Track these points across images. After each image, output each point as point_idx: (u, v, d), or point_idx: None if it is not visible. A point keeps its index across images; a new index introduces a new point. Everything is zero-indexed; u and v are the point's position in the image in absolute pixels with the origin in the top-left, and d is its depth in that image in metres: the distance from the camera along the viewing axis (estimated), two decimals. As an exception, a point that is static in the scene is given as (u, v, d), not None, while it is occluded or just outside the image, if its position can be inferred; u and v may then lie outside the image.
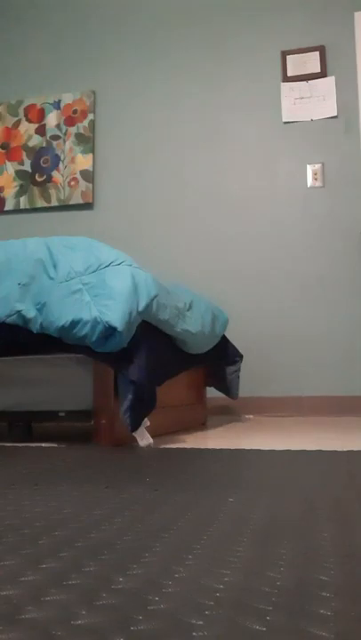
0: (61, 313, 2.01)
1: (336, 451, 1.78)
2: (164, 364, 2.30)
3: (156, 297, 2.08)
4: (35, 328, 2.07)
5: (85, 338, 1.97)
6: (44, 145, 4.12)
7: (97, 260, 2.12)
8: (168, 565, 0.71)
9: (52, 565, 0.72)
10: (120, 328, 1.95)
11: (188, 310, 2.58)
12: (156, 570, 0.70)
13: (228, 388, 3.09)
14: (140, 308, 2.01)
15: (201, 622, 0.55)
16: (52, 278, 2.11)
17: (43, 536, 0.86)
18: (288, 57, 3.80)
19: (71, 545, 0.81)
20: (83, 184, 4.03)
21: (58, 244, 2.25)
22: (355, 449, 1.79)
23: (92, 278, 2.06)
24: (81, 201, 4.01)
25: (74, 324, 1.98)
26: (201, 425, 2.93)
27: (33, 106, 4.16)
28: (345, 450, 1.78)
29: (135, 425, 2.02)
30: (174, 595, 0.62)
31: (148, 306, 2.05)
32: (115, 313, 1.96)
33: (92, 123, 4.06)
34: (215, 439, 2.39)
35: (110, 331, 1.96)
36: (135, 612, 0.57)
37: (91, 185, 4.01)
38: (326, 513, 0.99)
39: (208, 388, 3.12)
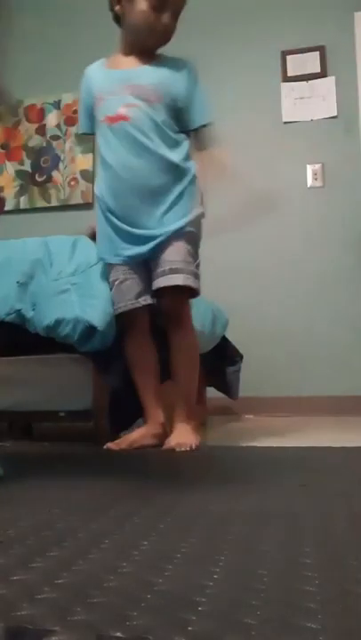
0: (47, 312, 2.02)
1: (331, 447, 1.78)
2: (164, 365, 2.30)
3: None
4: (32, 328, 2.07)
5: (68, 337, 1.98)
6: (44, 145, 4.12)
7: (86, 260, 2.12)
8: (157, 563, 0.72)
9: (40, 565, 0.72)
10: (100, 327, 1.95)
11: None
12: (145, 568, 0.70)
13: (228, 388, 3.09)
14: None
15: (195, 617, 0.55)
16: (48, 278, 2.12)
17: (30, 536, 0.86)
18: (288, 57, 3.79)
19: (60, 544, 0.81)
20: (83, 184, 4.03)
21: (57, 243, 2.25)
22: (351, 445, 1.79)
23: (80, 278, 2.07)
24: (81, 201, 4.01)
25: (57, 322, 1.99)
26: (201, 425, 2.93)
27: (33, 106, 4.16)
28: (342, 446, 1.79)
29: (116, 427, 2.05)
30: (166, 592, 0.62)
31: None
32: (96, 312, 1.97)
33: (93, 123, 4.07)
34: (215, 439, 2.39)
35: (91, 330, 1.96)
36: (129, 608, 0.57)
37: (91, 185, 4.01)
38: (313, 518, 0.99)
39: (208, 388, 3.12)
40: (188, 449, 1.84)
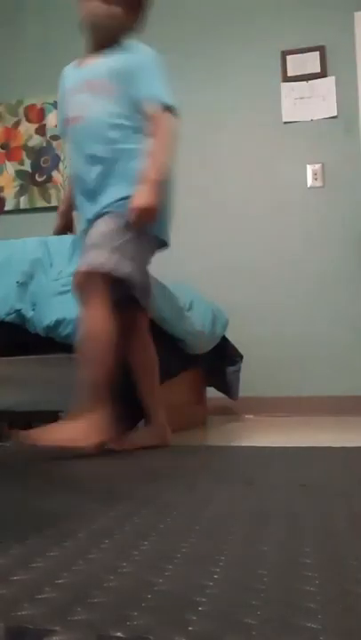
0: (47, 312, 2.02)
1: (331, 447, 1.78)
2: (164, 364, 2.30)
3: None
4: (31, 328, 2.08)
5: (69, 337, 1.98)
6: (44, 145, 4.12)
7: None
8: (157, 563, 0.72)
9: (41, 565, 0.72)
10: None
11: (188, 310, 2.58)
12: (145, 568, 0.70)
13: (228, 388, 3.09)
14: None
15: (195, 617, 0.55)
16: (48, 278, 2.12)
17: (31, 536, 0.86)
18: (288, 57, 3.79)
19: (60, 544, 0.81)
20: (83, 184, 4.03)
21: (57, 243, 2.25)
22: (351, 445, 1.80)
23: None
24: (81, 201, 4.01)
25: (58, 323, 1.99)
26: (201, 425, 2.93)
27: (33, 106, 4.16)
28: (341, 446, 1.79)
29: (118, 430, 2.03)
30: (166, 592, 0.62)
31: None
32: None
33: (93, 123, 4.06)
34: (215, 439, 2.40)
35: None
36: (129, 608, 0.57)
37: (91, 185, 4.01)
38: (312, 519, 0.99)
39: (208, 388, 3.12)
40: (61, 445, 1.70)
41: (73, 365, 2.15)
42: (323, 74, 3.72)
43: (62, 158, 4.08)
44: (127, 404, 2.08)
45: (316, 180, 3.67)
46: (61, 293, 2.05)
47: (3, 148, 4.20)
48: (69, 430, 1.74)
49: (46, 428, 1.78)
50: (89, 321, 1.79)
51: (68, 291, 2.06)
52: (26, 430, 1.76)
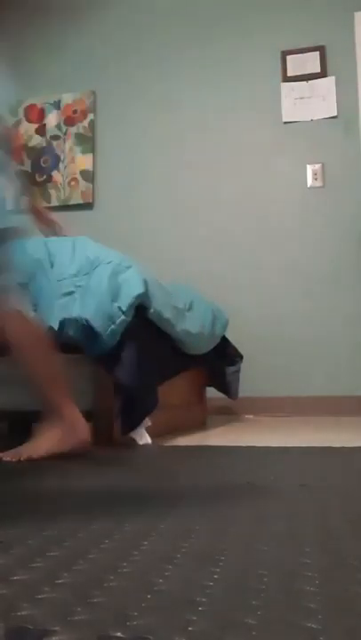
0: (51, 314, 2.02)
1: (331, 447, 1.78)
2: (164, 364, 2.30)
3: (140, 295, 2.07)
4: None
5: (73, 338, 1.98)
6: (44, 145, 4.12)
7: (87, 261, 2.13)
8: (157, 563, 0.72)
9: (41, 565, 0.72)
10: (99, 329, 1.96)
11: (188, 311, 2.58)
12: (145, 568, 0.70)
13: (227, 388, 3.09)
14: (124, 308, 2.01)
15: (195, 617, 0.55)
16: (48, 279, 2.12)
17: (31, 536, 0.86)
18: (288, 57, 3.79)
19: (60, 544, 0.81)
20: (83, 184, 4.03)
21: (57, 244, 2.25)
22: (351, 446, 1.80)
23: (83, 281, 2.07)
24: (81, 201, 4.02)
25: (62, 324, 1.99)
26: (201, 425, 2.93)
27: (33, 106, 4.16)
28: (341, 446, 1.79)
29: (126, 427, 2.02)
30: (166, 592, 0.62)
31: (132, 305, 2.04)
32: (94, 313, 1.98)
33: (92, 123, 4.06)
34: (215, 438, 2.39)
35: (92, 331, 1.97)
36: (129, 608, 0.57)
37: (91, 185, 4.02)
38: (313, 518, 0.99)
39: (208, 388, 3.12)
40: (13, 459, 1.67)
41: (73, 366, 2.15)
42: (323, 74, 3.72)
43: (62, 158, 4.08)
44: (137, 401, 2.06)
45: (316, 180, 3.67)
46: (64, 295, 2.04)
47: (3, 148, 4.20)
48: (52, 438, 1.72)
49: (30, 443, 1.75)
50: (16, 329, 1.74)
51: (70, 292, 2.06)
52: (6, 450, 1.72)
